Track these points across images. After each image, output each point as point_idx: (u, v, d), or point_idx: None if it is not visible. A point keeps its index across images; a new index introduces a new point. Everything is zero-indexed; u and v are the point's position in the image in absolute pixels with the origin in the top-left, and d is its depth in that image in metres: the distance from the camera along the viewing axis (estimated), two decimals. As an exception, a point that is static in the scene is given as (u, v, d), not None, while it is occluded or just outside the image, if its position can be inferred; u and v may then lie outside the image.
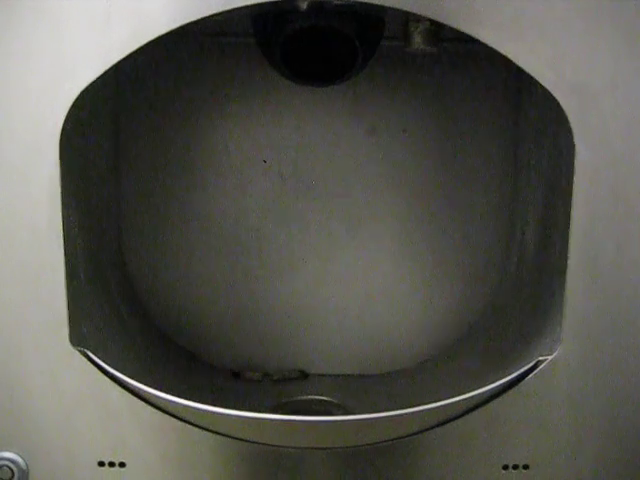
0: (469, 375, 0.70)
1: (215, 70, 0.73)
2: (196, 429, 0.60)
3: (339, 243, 0.78)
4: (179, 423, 0.59)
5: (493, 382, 0.58)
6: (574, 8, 0.53)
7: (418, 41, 0.61)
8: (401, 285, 0.79)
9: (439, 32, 0.60)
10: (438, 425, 0.60)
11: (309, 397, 0.75)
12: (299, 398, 0.75)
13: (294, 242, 0.78)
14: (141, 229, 0.77)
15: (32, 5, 0.52)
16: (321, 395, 0.76)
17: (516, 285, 0.74)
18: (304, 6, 0.57)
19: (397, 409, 0.57)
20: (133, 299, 0.78)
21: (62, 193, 0.55)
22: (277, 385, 0.78)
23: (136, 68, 0.71)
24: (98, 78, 0.53)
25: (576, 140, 0.54)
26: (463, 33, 0.53)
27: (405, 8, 0.52)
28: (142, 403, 0.59)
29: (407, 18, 0.59)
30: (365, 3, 0.52)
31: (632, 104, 0.54)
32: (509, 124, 0.75)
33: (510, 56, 0.53)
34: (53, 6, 0.52)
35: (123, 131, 0.75)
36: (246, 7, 0.51)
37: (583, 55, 0.54)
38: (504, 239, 0.77)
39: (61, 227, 0.56)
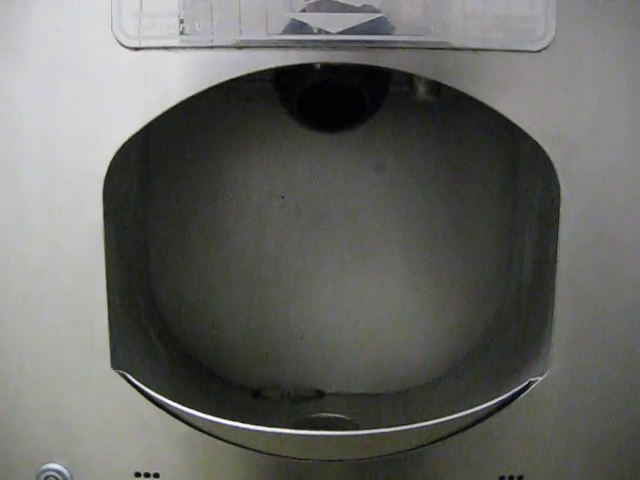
0: (471, 393, 0.73)
1: (237, 114, 0.76)
2: (222, 443, 0.62)
3: (351, 270, 0.81)
4: (207, 437, 0.62)
5: (490, 400, 0.61)
6: (557, 66, 0.57)
7: (422, 92, 0.66)
8: (409, 310, 0.81)
9: (440, 85, 0.62)
10: (440, 439, 0.62)
11: (325, 414, 0.77)
12: (316, 415, 0.77)
13: (309, 270, 0.81)
14: (168, 259, 0.80)
15: (80, 65, 0.57)
16: (336, 412, 0.78)
17: (514, 311, 0.76)
18: (317, 64, 0.61)
19: (405, 425, 0.59)
20: (161, 324, 0.80)
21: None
22: (295, 403, 0.79)
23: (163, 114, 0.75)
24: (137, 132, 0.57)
25: (561, 183, 0.58)
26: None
27: (407, 70, 0.57)
28: (174, 419, 0.62)
29: (411, 74, 0.62)
30: (372, 65, 0.56)
31: (610, 150, 0.58)
32: (507, 163, 0.77)
33: (501, 110, 0.57)
34: (99, 67, 0.57)
35: (151, 171, 0.78)
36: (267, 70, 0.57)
37: (565, 108, 0.57)
38: (504, 267, 0.79)
39: (104, 263, 0.59)
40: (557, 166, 0.58)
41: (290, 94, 0.66)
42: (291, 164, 0.79)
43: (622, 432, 0.63)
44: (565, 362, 0.61)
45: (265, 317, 0.81)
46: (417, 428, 0.59)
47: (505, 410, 0.62)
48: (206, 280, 0.81)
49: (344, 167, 0.79)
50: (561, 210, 0.59)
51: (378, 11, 0.56)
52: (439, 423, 0.60)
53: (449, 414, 0.60)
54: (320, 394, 0.81)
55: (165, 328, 0.81)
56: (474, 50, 0.56)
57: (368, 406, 0.80)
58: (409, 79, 0.66)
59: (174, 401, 0.61)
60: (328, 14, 0.56)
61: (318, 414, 0.78)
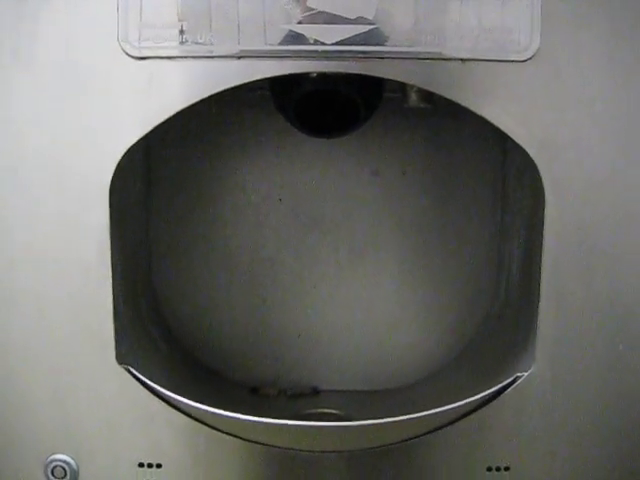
0: (462, 389, 0.72)
1: (236, 119, 0.77)
2: (223, 434, 0.64)
3: (346, 271, 0.81)
4: (208, 429, 0.64)
5: (479, 394, 0.63)
6: (541, 75, 0.58)
7: (414, 99, 0.67)
8: (402, 309, 0.82)
9: (432, 92, 0.63)
10: (431, 431, 0.63)
11: (320, 410, 0.78)
12: (312, 411, 0.78)
13: (305, 271, 0.82)
14: (169, 260, 0.80)
15: (87, 74, 0.59)
16: (331, 408, 0.78)
17: (503, 311, 0.78)
18: (313, 73, 0.62)
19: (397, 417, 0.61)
20: (162, 323, 0.81)
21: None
22: (291, 400, 0.80)
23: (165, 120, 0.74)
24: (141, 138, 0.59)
25: (545, 186, 0.60)
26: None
27: (399, 79, 0.59)
28: (176, 411, 0.63)
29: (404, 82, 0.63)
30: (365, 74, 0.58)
31: (593, 156, 0.60)
32: (497, 167, 0.78)
33: (488, 118, 0.59)
34: (105, 75, 0.59)
35: (153, 175, 0.79)
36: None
37: (550, 114, 0.59)
38: (494, 269, 0.80)
39: (110, 263, 0.61)
40: (541, 170, 0.60)
41: (286, 101, 0.68)
42: (288, 168, 0.79)
43: (603, 424, 0.65)
44: (549, 358, 0.63)
45: (263, 316, 0.82)
46: (409, 420, 0.61)
47: (493, 403, 0.63)
48: (206, 280, 0.81)
49: (340, 171, 0.80)
50: (545, 213, 0.60)
51: (372, 23, 0.58)
52: (430, 415, 0.61)
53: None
54: (316, 391, 0.82)
55: (166, 326, 0.82)
56: (463, 60, 0.58)
57: (362, 403, 0.80)
58: (402, 87, 0.67)
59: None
60: (323, 26, 0.57)
61: (313, 410, 0.78)
